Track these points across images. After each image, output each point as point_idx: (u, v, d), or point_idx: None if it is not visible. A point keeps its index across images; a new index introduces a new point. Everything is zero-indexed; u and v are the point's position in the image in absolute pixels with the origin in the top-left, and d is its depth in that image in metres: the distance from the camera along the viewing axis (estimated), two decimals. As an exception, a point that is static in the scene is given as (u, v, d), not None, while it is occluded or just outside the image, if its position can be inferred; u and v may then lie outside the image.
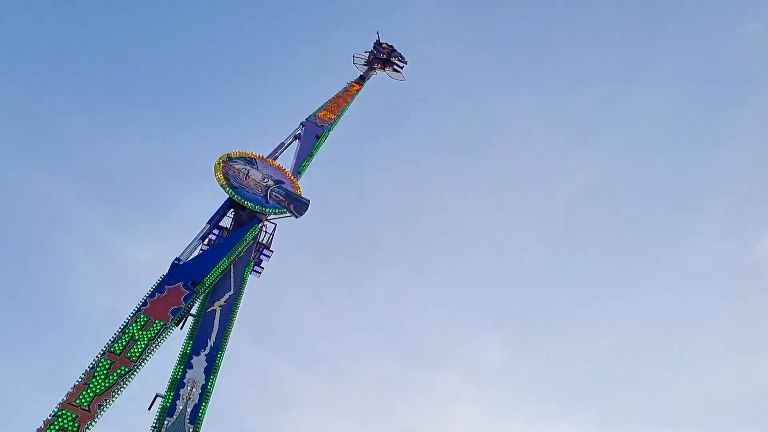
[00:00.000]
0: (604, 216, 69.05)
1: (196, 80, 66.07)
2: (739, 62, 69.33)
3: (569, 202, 67.53)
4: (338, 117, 33.72)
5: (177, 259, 21.45)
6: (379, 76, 40.81)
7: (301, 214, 25.80)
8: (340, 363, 59.88)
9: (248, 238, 23.61)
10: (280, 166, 28.08)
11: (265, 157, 27.88)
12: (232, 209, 24.83)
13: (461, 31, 68.12)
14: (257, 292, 25.44)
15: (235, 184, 24.88)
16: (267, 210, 24.90)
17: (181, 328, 21.33)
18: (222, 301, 21.72)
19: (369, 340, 60.75)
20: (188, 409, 18.53)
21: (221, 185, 24.61)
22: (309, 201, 26.44)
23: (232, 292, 22.18)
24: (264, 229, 25.07)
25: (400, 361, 60.47)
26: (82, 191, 55.90)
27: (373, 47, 41.50)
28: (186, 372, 19.38)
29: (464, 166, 69.19)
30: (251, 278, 23.80)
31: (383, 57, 40.84)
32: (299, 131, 31.26)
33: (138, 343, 18.70)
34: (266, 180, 26.26)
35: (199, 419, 18.48)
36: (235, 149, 26.85)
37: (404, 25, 67.66)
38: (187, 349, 19.99)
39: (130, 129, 60.42)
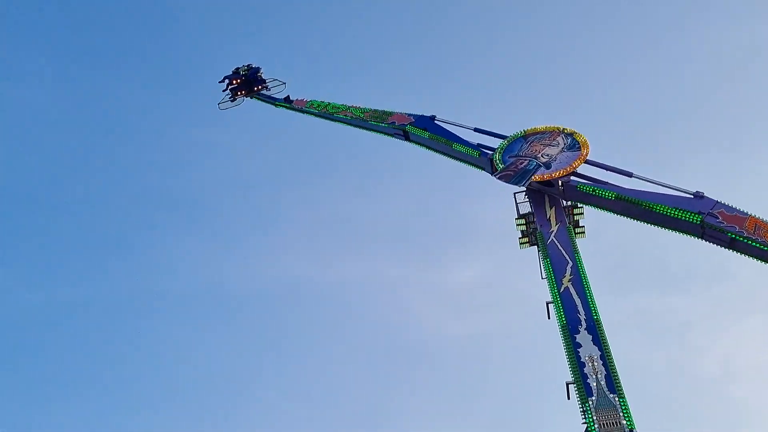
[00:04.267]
0: None
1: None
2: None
3: None
4: None
5: None
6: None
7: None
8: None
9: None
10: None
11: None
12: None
13: None
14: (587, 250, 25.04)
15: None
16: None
17: (549, 318, 21.98)
18: (569, 276, 21.89)
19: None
20: (602, 383, 18.84)
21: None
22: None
23: (571, 263, 22.28)
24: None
25: None
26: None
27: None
28: (578, 352, 19.75)
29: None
30: (579, 241, 23.91)
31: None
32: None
33: None
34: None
35: (617, 386, 18.71)
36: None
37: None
38: (566, 333, 20.40)
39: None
